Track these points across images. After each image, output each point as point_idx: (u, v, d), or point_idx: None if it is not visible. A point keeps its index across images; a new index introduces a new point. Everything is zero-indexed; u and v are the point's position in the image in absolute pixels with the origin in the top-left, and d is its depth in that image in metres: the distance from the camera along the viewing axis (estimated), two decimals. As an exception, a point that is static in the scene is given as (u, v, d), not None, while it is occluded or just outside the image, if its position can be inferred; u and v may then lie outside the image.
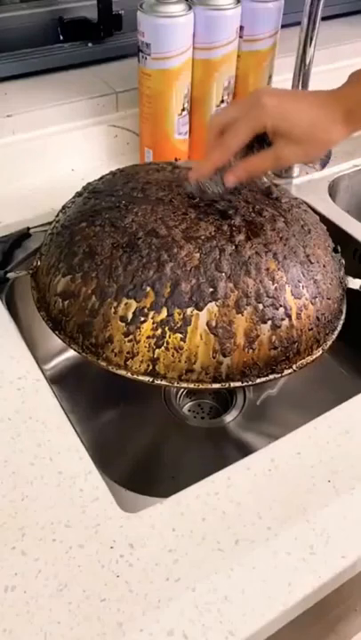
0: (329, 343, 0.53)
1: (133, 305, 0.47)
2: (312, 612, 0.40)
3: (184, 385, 0.48)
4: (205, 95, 0.71)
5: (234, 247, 0.49)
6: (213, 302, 0.47)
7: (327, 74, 0.87)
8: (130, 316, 0.47)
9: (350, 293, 0.57)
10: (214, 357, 0.47)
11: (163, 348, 0.47)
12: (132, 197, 0.53)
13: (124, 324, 0.47)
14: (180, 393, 0.69)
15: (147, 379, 0.48)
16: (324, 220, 0.67)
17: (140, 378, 0.48)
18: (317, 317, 0.51)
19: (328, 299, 0.52)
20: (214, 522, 0.40)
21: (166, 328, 0.47)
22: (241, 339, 0.47)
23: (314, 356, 0.51)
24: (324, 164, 0.69)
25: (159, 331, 0.47)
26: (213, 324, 0.47)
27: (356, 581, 0.43)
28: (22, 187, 0.71)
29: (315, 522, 0.40)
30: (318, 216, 0.59)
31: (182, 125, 0.71)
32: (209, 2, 0.65)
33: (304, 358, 0.51)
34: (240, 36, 0.69)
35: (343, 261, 0.57)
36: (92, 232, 0.51)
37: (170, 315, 0.47)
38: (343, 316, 0.55)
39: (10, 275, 0.59)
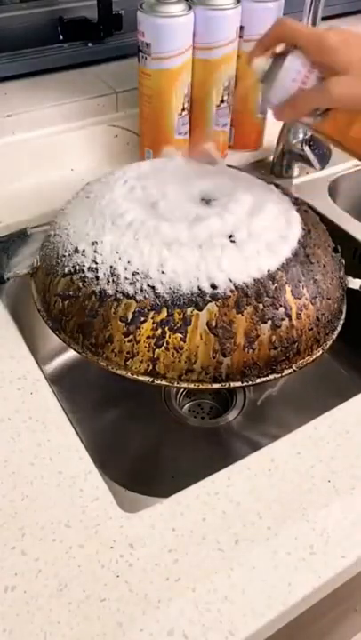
0: (329, 343, 0.53)
1: (133, 305, 0.47)
2: (312, 611, 0.40)
3: (184, 385, 0.48)
4: (205, 95, 0.71)
5: (235, 246, 0.49)
6: (213, 302, 0.47)
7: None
8: (130, 316, 0.47)
9: (350, 293, 0.57)
10: (214, 357, 0.47)
11: (163, 347, 0.47)
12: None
13: (124, 324, 0.47)
14: (180, 393, 0.69)
15: (147, 379, 0.48)
16: (324, 219, 0.67)
17: (140, 378, 0.48)
18: (317, 317, 0.51)
19: (328, 299, 0.52)
20: (214, 522, 0.40)
21: (166, 328, 0.47)
22: (241, 339, 0.47)
23: (314, 356, 0.52)
24: (324, 164, 0.69)
25: (159, 331, 0.47)
26: (213, 323, 0.47)
27: (356, 581, 0.43)
28: (22, 187, 0.71)
29: (315, 522, 0.40)
30: (318, 216, 0.59)
31: (182, 125, 0.71)
32: (209, 2, 0.65)
33: (304, 358, 0.51)
34: (240, 36, 0.69)
35: (343, 261, 0.57)
36: (92, 231, 0.51)
37: (170, 315, 0.47)
38: (343, 316, 0.55)
39: (10, 275, 0.59)
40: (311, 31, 0.47)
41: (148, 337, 0.47)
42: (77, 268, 0.50)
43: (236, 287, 0.47)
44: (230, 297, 0.47)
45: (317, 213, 0.62)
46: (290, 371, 0.50)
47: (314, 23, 0.65)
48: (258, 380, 0.49)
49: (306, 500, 0.42)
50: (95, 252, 0.50)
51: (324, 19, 0.67)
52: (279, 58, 0.48)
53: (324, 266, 0.53)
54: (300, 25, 0.48)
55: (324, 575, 0.38)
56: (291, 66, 0.47)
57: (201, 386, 0.48)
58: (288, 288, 0.49)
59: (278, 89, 0.48)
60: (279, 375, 0.50)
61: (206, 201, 0.53)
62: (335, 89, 0.45)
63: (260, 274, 0.48)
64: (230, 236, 0.49)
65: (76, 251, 0.51)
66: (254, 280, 0.48)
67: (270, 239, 0.50)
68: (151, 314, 0.47)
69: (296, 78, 0.47)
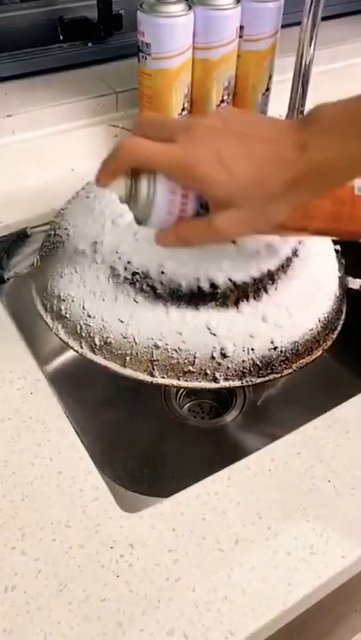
0: (329, 343, 0.53)
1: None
2: (312, 611, 0.40)
3: (184, 385, 0.48)
4: (205, 95, 0.71)
5: (234, 246, 0.49)
6: (213, 302, 0.47)
7: (328, 74, 0.88)
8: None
9: (350, 293, 0.57)
10: (214, 357, 0.47)
11: (163, 348, 0.47)
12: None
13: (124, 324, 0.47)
14: (180, 393, 0.69)
15: (147, 378, 0.48)
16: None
17: (140, 378, 0.48)
18: (317, 317, 0.51)
19: (328, 299, 0.52)
20: (214, 522, 0.40)
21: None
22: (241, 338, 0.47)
23: (314, 356, 0.51)
24: None
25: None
26: (214, 324, 0.47)
27: (357, 581, 0.43)
28: (22, 187, 0.71)
29: (315, 522, 0.40)
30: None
31: (182, 125, 0.71)
32: (209, 2, 0.65)
33: (304, 358, 0.51)
34: (240, 36, 0.69)
35: (343, 261, 0.57)
36: (92, 231, 0.51)
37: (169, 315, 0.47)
38: (343, 316, 0.55)
39: (10, 275, 0.59)
40: (167, 155, 0.37)
41: (147, 337, 0.47)
42: (77, 267, 0.50)
43: (236, 287, 0.47)
44: (230, 297, 0.47)
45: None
46: (290, 371, 0.50)
47: (314, 24, 0.65)
48: (258, 380, 0.49)
49: (306, 500, 0.42)
50: (95, 252, 0.50)
51: (324, 19, 0.67)
52: (140, 177, 0.39)
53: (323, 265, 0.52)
54: (148, 146, 0.37)
55: (324, 575, 0.38)
56: (161, 199, 0.38)
57: (201, 386, 0.48)
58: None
59: (156, 221, 0.40)
60: (279, 375, 0.50)
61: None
62: (222, 227, 0.37)
63: (260, 273, 0.48)
64: (230, 236, 0.49)
65: (76, 251, 0.51)
66: (254, 280, 0.48)
67: (270, 238, 0.50)
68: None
69: (172, 210, 0.39)
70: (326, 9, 0.67)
